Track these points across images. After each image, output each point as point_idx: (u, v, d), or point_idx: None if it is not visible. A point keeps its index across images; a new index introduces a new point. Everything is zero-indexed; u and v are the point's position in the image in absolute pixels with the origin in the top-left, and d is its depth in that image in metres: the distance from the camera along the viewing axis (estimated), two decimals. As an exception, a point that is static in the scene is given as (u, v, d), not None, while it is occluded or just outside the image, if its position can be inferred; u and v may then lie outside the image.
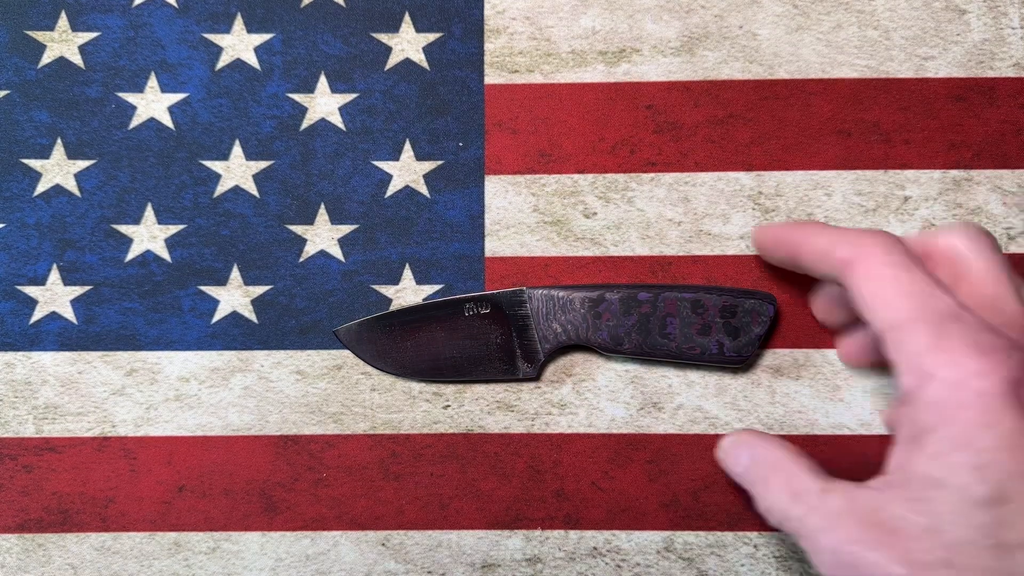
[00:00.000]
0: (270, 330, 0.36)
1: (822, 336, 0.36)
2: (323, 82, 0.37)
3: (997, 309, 0.26)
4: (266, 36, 0.37)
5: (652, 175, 0.37)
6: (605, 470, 0.35)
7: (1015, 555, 0.21)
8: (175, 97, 0.37)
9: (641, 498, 0.35)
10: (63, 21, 0.38)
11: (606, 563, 0.35)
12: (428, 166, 0.37)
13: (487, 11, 0.37)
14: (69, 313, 0.36)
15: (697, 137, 0.37)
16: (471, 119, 0.37)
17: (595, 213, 0.36)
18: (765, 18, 0.37)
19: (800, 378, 0.35)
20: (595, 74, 0.37)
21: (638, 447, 0.35)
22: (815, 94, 0.37)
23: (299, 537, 0.35)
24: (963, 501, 0.22)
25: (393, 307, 0.36)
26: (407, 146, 0.37)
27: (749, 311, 0.34)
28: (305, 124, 0.37)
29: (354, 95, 0.37)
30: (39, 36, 0.38)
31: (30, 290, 0.36)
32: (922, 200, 0.36)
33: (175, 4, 0.38)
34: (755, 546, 0.35)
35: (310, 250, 0.37)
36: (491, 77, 0.37)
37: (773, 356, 0.36)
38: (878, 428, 0.35)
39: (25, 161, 0.37)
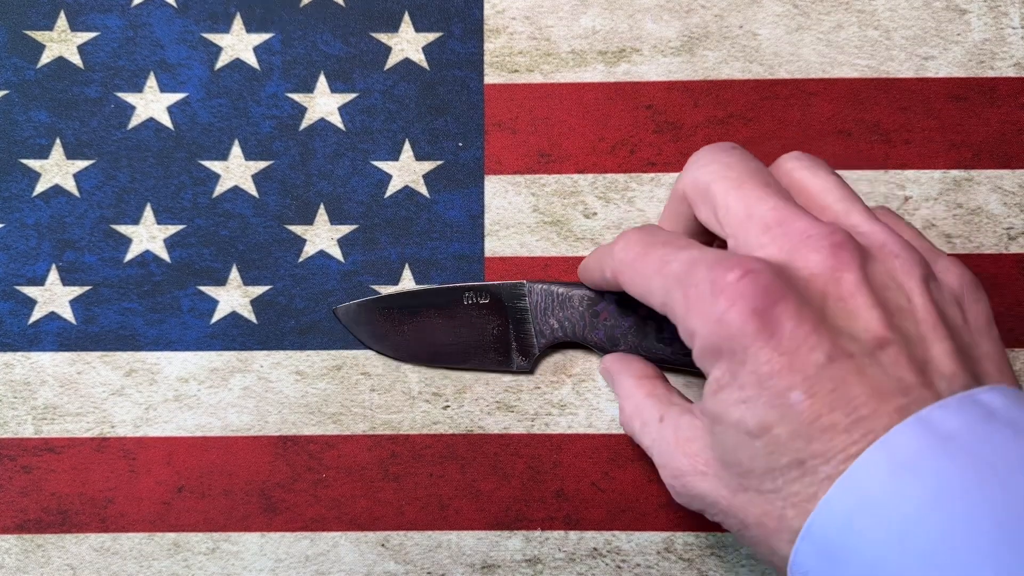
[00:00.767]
0: (269, 330, 0.36)
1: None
2: (322, 82, 0.37)
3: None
4: (265, 36, 0.37)
5: (652, 175, 0.36)
6: (605, 470, 0.35)
7: (787, 474, 0.23)
8: (174, 97, 0.37)
9: (641, 498, 0.35)
10: (62, 21, 0.38)
11: (606, 564, 0.35)
12: (428, 166, 0.37)
13: (487, 11, 0.37)
14: (68, 313, 0.36)
15: (697, 137, 0.36)
16: (471, 119, 0.37)
17: (595, 213, 0.36)
18: (765, 18, 0.37)
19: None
20: (595, 74, 0.37)
21: (638, 447, 0.35)
22: (815, 94, 0.36)
23: (299, 538, 0.35)
24: (739, 433, 0.24)
25: (393, 307, 0.36)
26: (407, 146, 0.37)
27: None
28: (304, 124, 0.37)
29: (353, 95, 0.37)
30: (38, 36, 0.37)
31: (29, 290, 0.36)
32: (922, 200, 0.36)
33: (174, 4, 0.38)
34: (755, 547, 0.35)
35: (309, 250, 0.37)
36: (491, 77, 0.37)
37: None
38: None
39: (24, 161, 0.37)
